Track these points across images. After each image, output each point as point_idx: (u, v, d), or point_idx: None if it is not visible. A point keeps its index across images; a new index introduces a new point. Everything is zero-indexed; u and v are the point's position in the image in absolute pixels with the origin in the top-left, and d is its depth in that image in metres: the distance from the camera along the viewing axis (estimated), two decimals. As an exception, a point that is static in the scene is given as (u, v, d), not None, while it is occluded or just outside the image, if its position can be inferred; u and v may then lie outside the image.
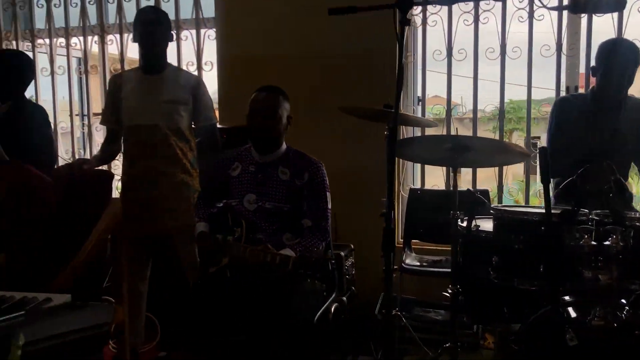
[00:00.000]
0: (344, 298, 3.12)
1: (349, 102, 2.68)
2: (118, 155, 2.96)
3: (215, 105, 3.88)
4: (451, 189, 2.35)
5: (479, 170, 3.58)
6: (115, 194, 3.06)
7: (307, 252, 2.23)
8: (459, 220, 2.32)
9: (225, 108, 3.94)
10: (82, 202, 2.35)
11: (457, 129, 2.55)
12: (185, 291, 2.96)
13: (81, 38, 4.24)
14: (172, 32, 2.80)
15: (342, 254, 3.22)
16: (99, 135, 4.29)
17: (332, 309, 2.43)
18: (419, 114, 3.67)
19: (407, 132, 3.67)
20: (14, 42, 4.39)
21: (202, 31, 3.98)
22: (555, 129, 2.77)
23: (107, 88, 2.93)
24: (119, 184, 2.92)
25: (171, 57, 3.85)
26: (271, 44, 3.77)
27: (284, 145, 2.45)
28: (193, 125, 2.91)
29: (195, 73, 3.87)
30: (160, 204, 2.76)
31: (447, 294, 2.43)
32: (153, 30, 2.71)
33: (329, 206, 2.40)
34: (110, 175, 2.46)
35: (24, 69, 2.81)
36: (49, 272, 2.01)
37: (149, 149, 2.75)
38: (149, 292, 3.10)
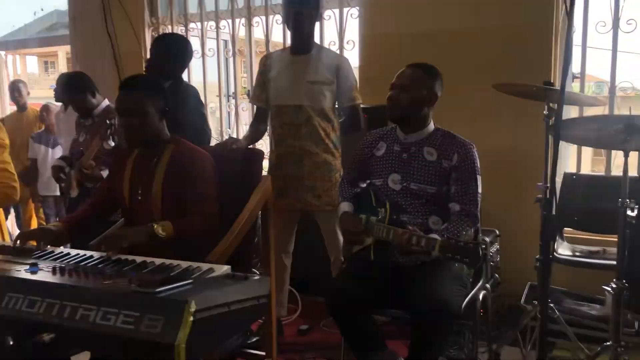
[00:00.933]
0: (488, 285, 3.00)
1: (502, 79, 2.51)
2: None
3: (358, 85, 3.90)
4: (613, 174, 2.13)
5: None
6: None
7: (455, 238, 2.14)
8: (628, 209, 2.10)
9: (366, 87, 3.91)
10: (235, 179, 2.45)
11: (630, 108, 2.29)
12: (326, 268, 3.02)
13: (229, 21, 4.44)
14: (320, 11, 2.82)
15: (487, 239, 3.08)
16: (245, 115, 4.50)
17: (480, 297, 2.32)
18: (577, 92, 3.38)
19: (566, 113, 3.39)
20: (169, 27, 4.70)
21: (345, 10, 3.97)
22: None
23: (258, 68, 3.03)
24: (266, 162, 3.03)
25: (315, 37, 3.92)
26: (416, 21, 3.66)
27: (431, 125, 2.34)
28: (337, 105, 2.94)
29: (337, 52, 3.88)
30: (303, 183, 2.85)
31: (609, 288, 2.23)
32: (300, 10, 2.75)
33: (479, 190, 2.27)
34: (260, 154, 2.53)
35: (183, 51, 2.97)
36: (205, 245, 2.12)
37: (294, 128, 2.83)
38: (292, 266, 3.22)
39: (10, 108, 5.13)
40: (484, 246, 1.94)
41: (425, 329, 2.05)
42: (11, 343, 1.41)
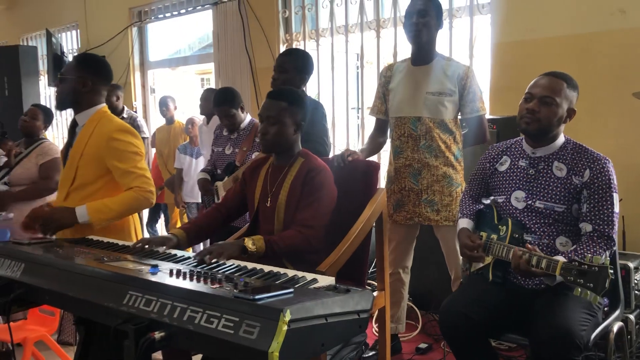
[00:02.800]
0: (631, 316, 2.69)
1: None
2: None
3: (487, 95, 3.75)
4: None
5: None
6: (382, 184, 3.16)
7: (579, 260, 1.94)
8: None
9: (497, 97, 3.74)
10: (350, 191, 2.45)
11: None
12: (447, 285, 2.91)
13: (359, 34, 4.49)
14: (441, 20, 2.75)
15: (631, 265, 2.77)
16: (372, 127, 4.50)
17: (615, 329, 2.09)
18: None
19: None
20: (302, 42, 4.87)
21: (476, 18, 3.83)
22: None
23: (378, 80, 3.02)
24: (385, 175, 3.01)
25: (444, 47, 3.83)
26: (551, 26, 3.44)
27: (562, 138, 2.14)
28: (460, 117, 2.83)
29: (467, 61, 3.75)
30: (421, 196, 2.78)
31: None
32: (420, 20, 2.70)
33: (616, 210, 2.02)
34: (376, 166, 2.51)
35: (303, 65, 3.04)
36: (317, 255, 2.15)
37: (412, 140, 2.78)
38: (416, 281, 3.15)
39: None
40: (612, 270, 1.73)
41: (545, 357, 1.88)
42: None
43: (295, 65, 2.97)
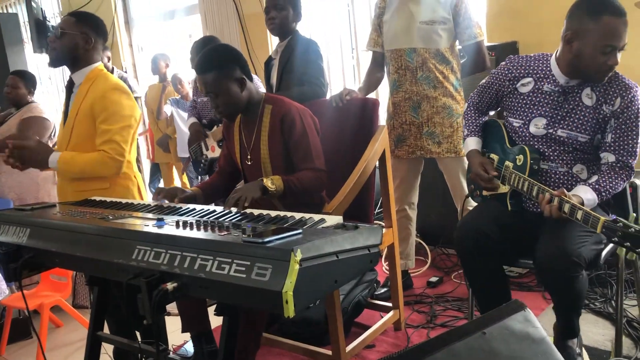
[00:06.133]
0: None
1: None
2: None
3: (484, 21, 3.64)
4: None
5: None
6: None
7: (608, 195, 1.90)
8: None
9: (494, 23, 3.64)
10: (351, 130, 2.42)
11: None
12: (455, 219, 2.91)
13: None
14: None
15: (638, 182, 2.75)
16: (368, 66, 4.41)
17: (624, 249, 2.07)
18: None
19: None
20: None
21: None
22: None
23: (374, 12, 2.94)
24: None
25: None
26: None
27: None
28: (459, 45, 2.76)
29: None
30: (422, 129, 2.75)
31: None
32: None
33: None
34: (375, 103, 2.46)
35: (295, 6, 2.96)
36: (319, 198, 2.13)
37: (409, 72, 2.73)
38: (423, 217, 3.15)
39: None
40: None
41: (547, 280, 1.89)
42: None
43: (290, 2, 2.92)
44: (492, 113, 2.30)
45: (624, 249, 1.67)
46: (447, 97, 2.72)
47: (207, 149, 3.50)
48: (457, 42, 2.75)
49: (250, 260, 1.38)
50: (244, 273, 1.37)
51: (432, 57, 2.68)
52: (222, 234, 1.56)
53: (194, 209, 1.98)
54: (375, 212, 3.49)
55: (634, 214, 1.65)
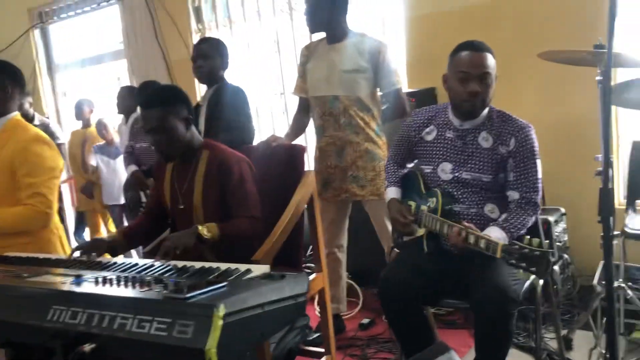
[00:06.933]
0: (556, 267, 2.84)
1: (550, 47, 2.34)
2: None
3: (404, 69, 3.81)
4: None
5: None
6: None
7: (517, 232, 1.99)
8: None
9: (414, 70, 3.82)
10: (278, 176, 2.43)
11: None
12: (382, 259, 2.96)
13: (273, 19, 4.44)
14: (344, 1, 2.76)
15: (551, 219, 2.92)
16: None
17: (541, 281, 2.18)
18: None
19: (627, 76, 3.16)
20: (215, 31, 4.77)
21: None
22: None
23: (299, 59, 3.01)
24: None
25: (357, 22, 3.85)
26: (457, -2, 3.53)
27: (487, 107, 2.14)
28: (380, 92, 2.86)
29: (382, 36, 3.79)
30: (346, 173, 2.82)
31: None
32: (312, 3, 2.75)
33: (539, 175, 2.09)
34: (301, 149, 2.50)
35: (226, 50, 3.01)
36: (249, 245, 2.12)
37: (333, 119, 2.80)
38: (353, 258, 3.18)
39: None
40: (552, 256, 1.75)
41: (486, 318, 1.94)
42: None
43: (217, 51, 2.97)
44: (410, 165, 2.40)
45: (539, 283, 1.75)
46: (369, 142, 2.80)
47: (147, 197, 3.42)
48: (378, 90, 2.85)
49: (171, 317, 1.35)
50: (165, 331, 1.33)
51: (353, 104, 2.76)
52: (143, 289, 1.53)
53: (115, 263, 1.92)
54: (307, 254, 3.49)
55: (538, 239, 1.75)
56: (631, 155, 2.97)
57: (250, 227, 2.14)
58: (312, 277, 2.38)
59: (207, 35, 4.73)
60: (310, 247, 2.77)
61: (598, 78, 2.08)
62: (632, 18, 3.19)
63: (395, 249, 2.38)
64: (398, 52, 3.79)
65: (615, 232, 2.41)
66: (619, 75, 3.03)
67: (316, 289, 2.54)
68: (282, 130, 4.62)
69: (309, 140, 4.09)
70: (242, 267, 1.73)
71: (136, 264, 1.87)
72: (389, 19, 3.95)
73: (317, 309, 3.24)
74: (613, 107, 2.91)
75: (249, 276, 1.65)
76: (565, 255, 3.12)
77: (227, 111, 2.85)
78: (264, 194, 2.42)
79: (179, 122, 2.13)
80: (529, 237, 1.79)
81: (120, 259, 2.00)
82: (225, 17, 4.72)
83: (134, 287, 1.56)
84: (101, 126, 4.78)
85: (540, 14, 3.28)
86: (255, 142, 2.86)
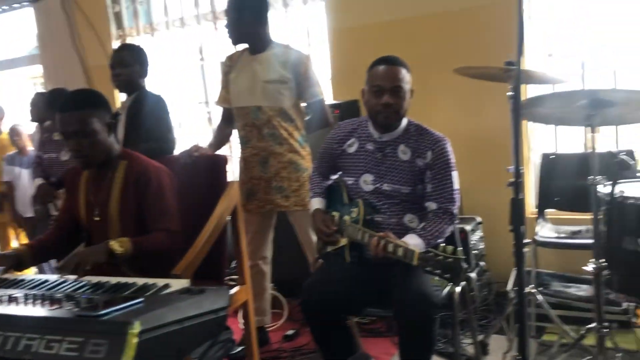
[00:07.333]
0: (473, 275, 2.94)
1: (467, 63, 2.45)
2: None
3: (329, 80, 3.86)
4: (589, 151, 2.06)
5: (623, 127, 3.18)
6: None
7: (433, 240, 2.05)
8: (600, 186, 2.04)
9: (338, 82, 3.87)
10: (199, 187, 2.38)
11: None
12: (306, 270, 2.96)
13: (196, 27, 4.38)
14: (261, 12, 2.76)
15: (468, 227, 3.03)
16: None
17: (458, 288, 2.25)
18: (549, 70, 3.33)
19: (536, 92, 3.35)
20: (136, 37, 4.64)
21: (311, 5, 3.91)
22: None
23: (222, 69, 2.98)
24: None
25: (282, 33, 3.87)
26: (380, 13, 3.63)
27: (404, 120, 2.24)
28: (303, 103, 2.88)
29: (307, 48, 3.83)
30: (270, 184, 2.80)
31: (589, 269, 2.16)
32: (234, 15, 2.74)
33: (456, 187, 2.18)
34: (224, 159, 2.46)
35: (146, 58, 2.93)
36: (170, 259, 2.06)
37: (256, 130, 2.79)
38: (278, 269, 3.16)
39: None
40: (465, 263, 1.82)
41: (409, 325, 1.99)
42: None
43: (137, 58, 2.90)
44: (334, 176, 2.43)
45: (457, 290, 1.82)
46: (292, 153, 2.80)
47: (57, 209, 3.25)
48: (301, 101, 2.86)
49: (83, 336, 1.29)
50: (76, 351, 1.27)
51: (277, 115, 2.75)
52: (53, 308, 1.45)
53: (24, 280, 1.82)
54: (232, 265, 3.44)
55: (452, 247, 1.83)
56: (541, 166, 3.15)
57: (169, 241, 2.07)
58: (235, 290, 2.34)
59: (128, 41, 4.60)
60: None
61: (509, 93, 2.19)
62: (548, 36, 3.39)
63: (320, 259, 2.40)
64: (323, 64, 3.84)
65: (527, 241, 2.54)
66: (531, 91, 3.20)
67: (239, 302, 2.51)
68: (205, 140, 4.56)
69: (234, 150, 4.05)
70: (161, 281, 1.68)
71: (46, 281, 1.78)
72: (313, 31, 3.99)
73: (241, 321, 3.20)
74: (524, 121, 3.07)
75: (167, 291, 1.61)
76: (482, 263, 3.25)
77: (146, 120, 2.78)
78: (185, 205, 2.37)
79: (102, 126, 2.04)
80: (444, 244, 1.87)
81: (29, 276, 1.88)
82: (146, 23, 4.60)
83: (42, 305, 1.48)
84: (14, 133, 4.52)
85: (456, 31, 3.43)
86: (176, 152, 2.80)
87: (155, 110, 2.85)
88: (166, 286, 1.63)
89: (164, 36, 4.55)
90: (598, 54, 3.36)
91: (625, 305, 2.64)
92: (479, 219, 3.25)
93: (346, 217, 2.23)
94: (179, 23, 4.45)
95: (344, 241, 2.22)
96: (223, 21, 4.19)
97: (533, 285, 2.66)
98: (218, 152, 2.82)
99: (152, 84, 3.11)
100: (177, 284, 1.66)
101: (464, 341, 2.78)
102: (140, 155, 2.18)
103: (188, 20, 4.40)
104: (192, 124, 4.62)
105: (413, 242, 1.99)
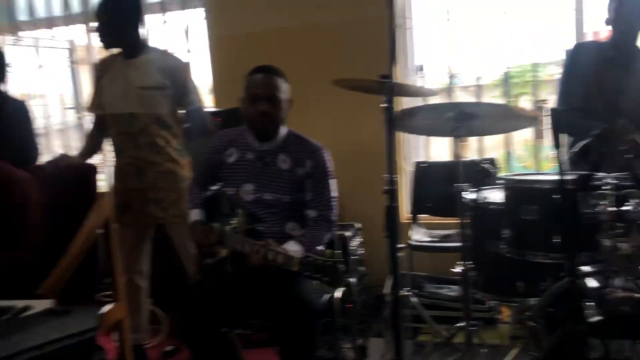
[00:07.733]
0: (353, 279, 3.01)
1: (344, 75, 2.52)
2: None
3: (210, 88, 3.79)
4: (456, 160, 2.20)
5: (488, 137, 3.44)
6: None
7: (313, 246, 2.08)
8: (465, 192, 2.18)
9: (220, 90, 3.82)
10: (66, 199, 2.23)
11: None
12: (186, 283, 2.87)
13: (66, 28, 4.12)
14: (136, 16, 2.65)
15: (348, 234, 3.11)
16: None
17: (339, 294, 2.30)
18: (421, 84, 3.52)
19: (409, 104, 3.53)
20: (-1, 37, 4.27)
21: (190, 11, 3.84)
22: (567, 77, 2.58)
23: (93, 74, 2.82)
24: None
25: (159, 41, 3.76)
26: (260, 22, 3.64)
27: (284, 130, 2.27)
28: (182, 111, 2.80)
29: (186, 55, 3.74)
30: (147, 195, 2.69)
31: (457, 270, 2.31)
32: (106, 18, 2.62)
33: (335, 194, 2.23)
34: (93, 168, 2.33)
35: (4, 60, 2.69)
36: (36, 276, 1.90)
37: (130, 138, 2.66)
38: (156, 284, 3.03)
39: None
40: (343, 267, 1.88)
41: (291, 333, 1.99)
42: None
43: None
44: (214, 187, 2.39)
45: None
46: (170, 162, 2.70)
47: None
48: (179, 108, 2.78)
49: None
50: None
51: (152, 122, 2.64)
52: None
53: None
54: (105, 282, 3.25)
55: (330, 251, 1.89)
56: (414, 174, 3.32)
57: (30, 257, 1.93)
58: (107, 308, 2.21)
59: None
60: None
61: (382, 105, 2.27)
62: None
63: (199, 272, 2.34)
64: (203, 72, 3.78)
65: (402, 245, 2.65)
66: (405, 103, 3.36)
67: (113, 320, 2.37)
68: (75, 148, 4.30)
69: (107, 159, 3.85)
70: (20, 303, 1.54)
71: None
72: (194, 38, 3.91)
73: (115, 340, 3.03)
74: (398, 132, 3.22)
75: (26, 314, 1.48)
76: (362, 268, 3.34)
77: (7, 127, 2.55)
78: (51, 218, 2.21)
79: None
80: (322, 249, 1.91)
81: None
82: (8, 21, 4.25)
83: None
84: None
85: (336, 42, 3.52)
86: (41, 161, 2.60)
87: (16, 116, 2.64)
88: (26, 308, 1.50)
89: (30, 36, 4.22)
90: (465, 68, 3.62)
91: (489, 303, 2.85)
92: (358, 225, 3.34)
93: (227, 228, 2.19)
94: (45, 22, 4.15)
95: (224, 252, 2.19)
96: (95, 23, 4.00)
97: (409, 288, 2.78)
98: (88, 161, 2.66)
99: (14, 87, 2.87)
100: (40, 305, 1.54)
101: (344, 346, 2.83)
102: (1, 163, 2.00)
103: (57, 19, 4.13)
104: (60, 131, 4.32)
105: (293, 248, 2.01)
